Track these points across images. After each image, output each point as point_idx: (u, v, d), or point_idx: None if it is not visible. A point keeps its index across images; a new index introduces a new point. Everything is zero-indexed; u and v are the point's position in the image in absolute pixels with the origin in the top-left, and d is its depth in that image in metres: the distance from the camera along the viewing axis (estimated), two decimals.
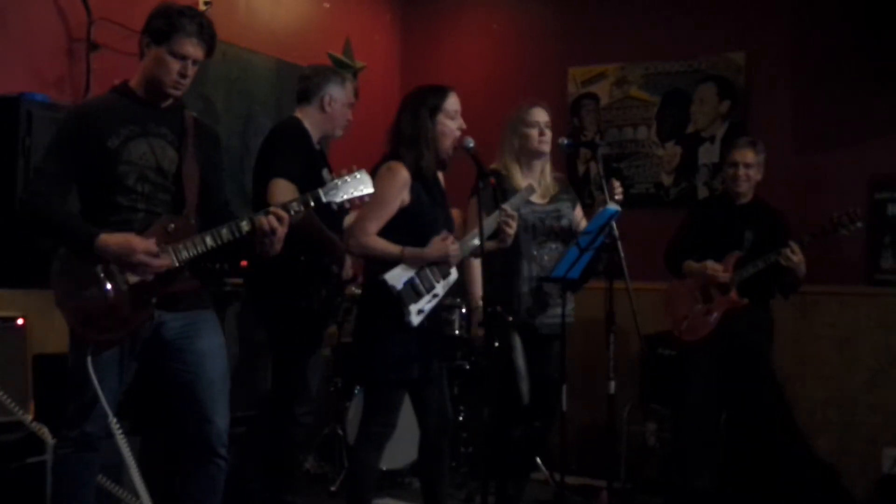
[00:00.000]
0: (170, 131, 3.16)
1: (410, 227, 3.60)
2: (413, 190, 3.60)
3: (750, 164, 4.62)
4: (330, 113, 4.17)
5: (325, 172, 4.07)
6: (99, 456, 3.13)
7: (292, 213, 3.07)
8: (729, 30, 5.73)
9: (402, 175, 3.57)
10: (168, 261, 2.99)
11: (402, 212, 3.59)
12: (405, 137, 3.61)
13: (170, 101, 3.20)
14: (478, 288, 4.13)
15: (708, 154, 5.78)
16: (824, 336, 5.36)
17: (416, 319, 3.55)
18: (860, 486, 5.10)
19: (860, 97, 5.28)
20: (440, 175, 3.79)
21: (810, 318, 5.35)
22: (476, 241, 3.65)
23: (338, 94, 4.18)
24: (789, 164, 5.33)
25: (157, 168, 3.11)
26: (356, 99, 4.44)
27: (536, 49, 6.34)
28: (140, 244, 2.96)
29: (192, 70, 3.12)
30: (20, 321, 3.79)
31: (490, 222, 3.68)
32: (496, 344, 4.03)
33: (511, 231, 3.66)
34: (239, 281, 4.46)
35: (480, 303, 4.03)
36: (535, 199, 4.16)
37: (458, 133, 3.66)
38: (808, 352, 5.37)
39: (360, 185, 3.12)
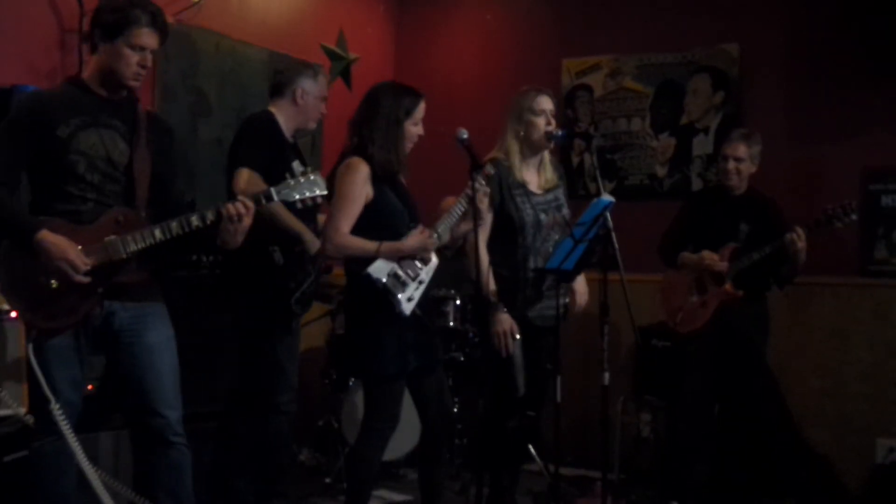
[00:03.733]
0: (121, 123, 3.16)
1: (378, 220, 3.62)
2: (376, 184, 3.62)
3: (741, 157, 4.59)
4: (302, 105, 4.21)
5: (296, 164, 4.09)
6: None
7: (263, 203, 3.09)
8: (723, 21, 5.73)
9: (363, 170, 3.59)
10: (87, 280, 2.98)
11: (368, 206, 3.61)
12: (377, 139, 3.61)
13: (123, 94, 3.19)
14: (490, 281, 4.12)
15: (702, 145, 5.79)
16: (818, 327, 5.37)
17: (407, 308, 3.56)
18: (854, 477, 5.11)
19: (854, 88, 5.29)
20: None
21: (804, 309, 5.36)
22: (446, 226, 3.73)
23: (310, 87, 4.22)
24: (783, 155, 5.33)
25: (108, 159, 3.10)
26: (358, 91, 4.42)
27: (530, 40, 6.33)
28: (71, 254, 2.95)
29: (150, 60, 3.14)
30: (14, 313, 3.77)
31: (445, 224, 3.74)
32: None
33: (484, 200, 3.69)
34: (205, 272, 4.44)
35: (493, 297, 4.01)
36: (534, 189, 4.14)
37: (416, 139, 3.71)
38: (802, 343, 5.38)
39: (313, 187, 3.14)
